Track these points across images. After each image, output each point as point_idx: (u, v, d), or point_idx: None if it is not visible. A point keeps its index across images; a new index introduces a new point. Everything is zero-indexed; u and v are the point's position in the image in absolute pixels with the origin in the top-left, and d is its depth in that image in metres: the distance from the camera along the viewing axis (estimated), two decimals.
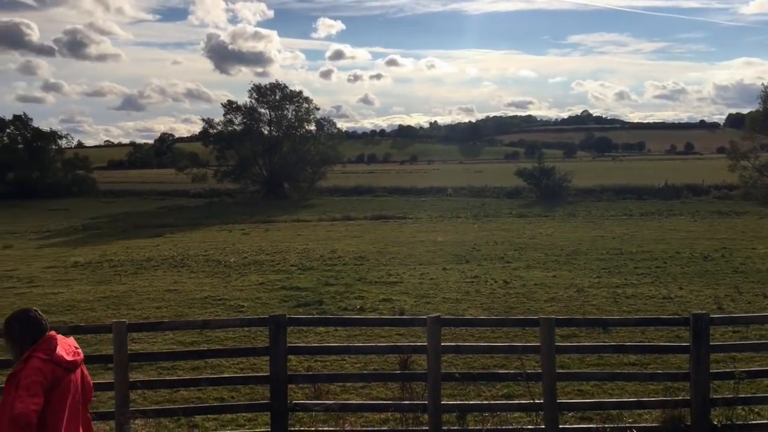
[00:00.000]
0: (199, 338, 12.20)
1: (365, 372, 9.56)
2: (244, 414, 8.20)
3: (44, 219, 45.96)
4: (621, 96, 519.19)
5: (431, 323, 6.96)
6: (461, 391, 8.91)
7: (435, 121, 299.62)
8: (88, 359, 9.45)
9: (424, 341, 7.22)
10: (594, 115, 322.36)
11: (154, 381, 8.28)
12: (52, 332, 4.40)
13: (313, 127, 66.29)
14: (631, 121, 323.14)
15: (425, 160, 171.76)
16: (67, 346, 4.42)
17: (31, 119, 72.17)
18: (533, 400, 7.21)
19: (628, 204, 46.83)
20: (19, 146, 69.48)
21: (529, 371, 7.53)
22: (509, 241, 26.95)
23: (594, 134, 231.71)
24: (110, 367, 9.91)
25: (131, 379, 6.91)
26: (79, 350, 4.54)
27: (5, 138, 70.16)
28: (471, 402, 7.76)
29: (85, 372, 4.63)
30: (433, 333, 6.92)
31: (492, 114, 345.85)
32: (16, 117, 71.41)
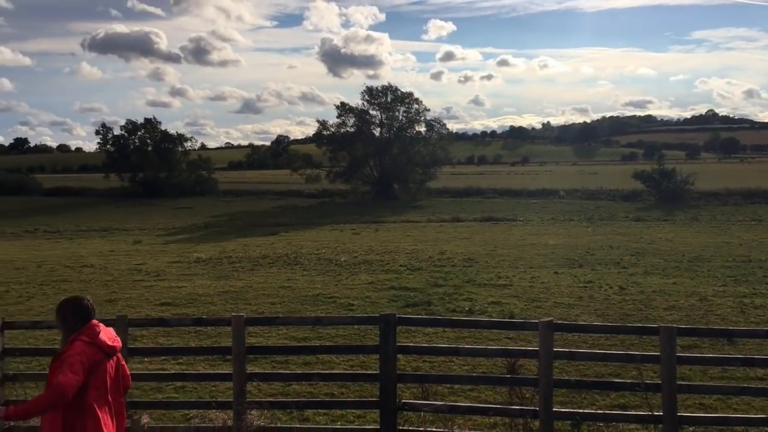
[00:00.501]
0: (311, 334, 12.51)
1: (474, 374, 9.47)
2: (353, 411, 8.33)
3: (170, 217, 48.79)
4: (750, 94, 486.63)
5: (543, 328, 6.79)
6: (572, 399, 8.64)
7: (548, 122, 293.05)
8: (209, 351, 9.95)
9: (534, 346, 7.06)
10: (720, 114, 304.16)
11: (269, 374, 8.56)
12: (95, 320, 4.72)
13: (423, 129, 66.57)
14: (761, 120, 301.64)
15: (537, 162, 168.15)
16: (108, 333, 4.76)
17: (160, 122, 76.81)
18: (651, 412, 6.87)
19: (757, 209, 43.83)
20: (149, 148, 74.00)
21: (648, 381, 7.19)
22: (625, 246, 25.88)
23: (720, 135, 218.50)
24: (228, 359, 10.39)
25: (248, 371, 7.16)
26: (118, 339, 4.85)
27: (137, 140, 74.91)
28: (584, 411, 7.50)
29: (122, 361, 4.91)
30: (545, 338, 6.75)
31: (608, 114, 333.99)
32: (147, 120, 76.18)
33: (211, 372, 9.02)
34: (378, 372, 7.10)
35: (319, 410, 8.32)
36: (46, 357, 10.07)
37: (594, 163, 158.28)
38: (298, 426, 7.45)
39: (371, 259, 23.09)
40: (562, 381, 7.33)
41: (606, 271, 19.70)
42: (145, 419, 6.83)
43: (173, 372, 9.37)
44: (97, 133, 76.21)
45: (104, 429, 4.59)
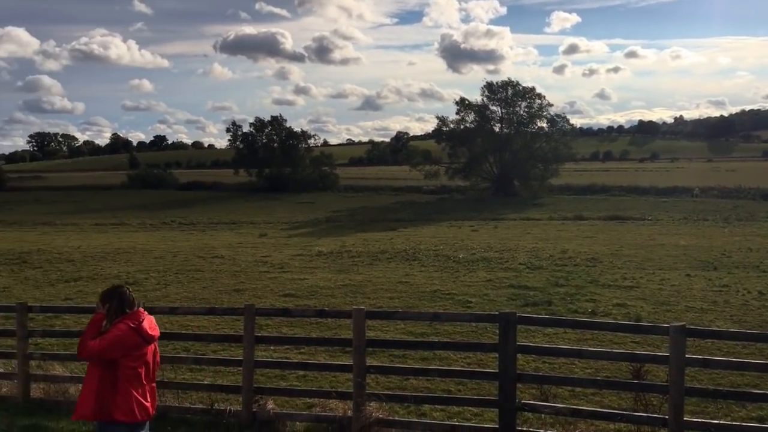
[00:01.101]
0: (429, 330, 12.53)
1: (598, 378, 9.11)
2: (470, 408, 8.26)
3: (293, 211, 50.53)
4: None
5: (675, 332, 6.42)
6: (704, 409, 8.13)
7: (680, 116, 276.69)
8: (330, 342, 10.18)
9: (663, 351, 6.69)
10: None
11: (388, 367, 8.64)
12: (142, 309, 5.13)
13: (545, 124, 65.09)
14: None
15: (668, 158, 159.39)
16: (150, 322, 5.14)
17: (285, 120, 79.81)
18: None
19: None
20: (275, 145, 77.00)
21: None
22: (767, 248, 24.05)
23: None
24: (347, 351, 10.60)
25: (367, 364, 7.26)
26: (157, 328, 5.20)
27: (264, 138, 78.18)
28: (718, 422, 7.03)
29: (157, 349, 5.30)
30: (677, 343, 6.38)
31: (747, 107, 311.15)
32: (273, 118, 79.39)
33: (332, 363, 9.22)
34: (497, 371, 6.99)
35: (436, 406, 8.31)
36: (180, 341, 10.73)
37: (731, 159, 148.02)
38: (416, 420, 7.47)
39: (490, 257, 22.82)
40: (695, 389, 6.90)
41: (744, 275, 18.39)
42: (270, 405, 7.09)
43: (296, 361, 9.68)
44: (228, 130, 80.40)
45: (135, 407, 4.92)
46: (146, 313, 5.18)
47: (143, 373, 5.09)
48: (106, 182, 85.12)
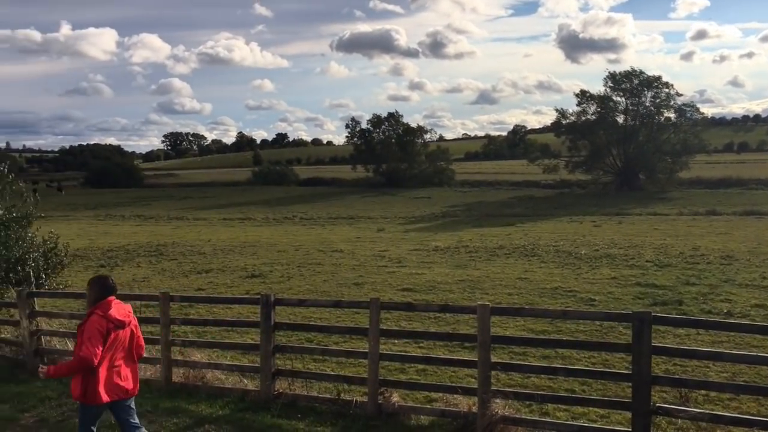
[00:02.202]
0: (550, 328, 12.22)
1: (741, 383, 8.52)
2: (596, 410, 7.97)
3: (410, 206, 50.90)
4: None
5: None
6: None
7: None
8: (450, 337, 10.08)
9: None
10: None
11: (513, 364, 8.46)
12: (112, 297, 5.63)
13: (672, 114, 61.63)
14: None
15: None
16: (121, 309, 5.66)
17: (402, 116, 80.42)
18: None
19: None
20: (392, 140, 77.80)
21: None
22: None
23: None
24: (466, 347, 10.55)
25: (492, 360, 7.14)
26: (131, 316, 5.73)
27: (381, 134, 79.20)
28: None
29: (138, 332, 5.81)
30: None
31: None
32: (390, 114, 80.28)
33: (456, 358, 9.15)
34: (630, 372, 6.68)
35: (560, 405, 8.08)
36: (303, 332, 11.07)
37: None
38: (543, 419, 7.29)
39: (614, 253, 21.95)
40: None
41: None
42: (395, 398, 7.16)
43: (420, 355, 9.70)
44: (347, 126, 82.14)
45: (100, 389, 5.44)
46: (118, 302, 5.71)
47: (122, 356, 5.61)
48: (233, 179, 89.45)
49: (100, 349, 5.39)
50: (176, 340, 8.91)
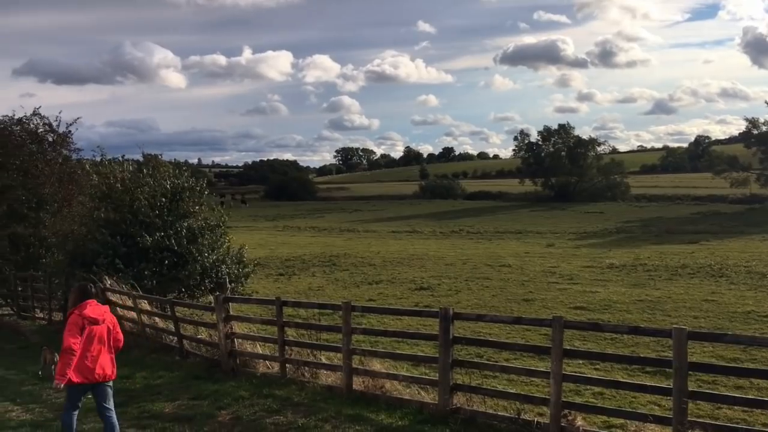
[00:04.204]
0: (742, 356, 11.25)
1: None
2: None
3: (580, 221, 49.13)
4: None
5: None
6: None
7: None
8: (642, 361, 9.34)
9: None
10: None
11: (715, 395, 7.80)
12: (90, 300, 6.68)
13: None
14: None
15: None
16: (97, 309, 6.73)
17: (573, 128, 77.97)
18: None
19: None
20: (562, 153, 75.57)
21: None
22: None
23: None
24: (647, 371, 9.94)
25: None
26: (105, 317, 6.75)
27: (551, 146, 77.23)
28: None
29: (116, 329, 6.85)
30: None
31: None
32: (561, 126, 78.10)
33: (648, 384, 8.55)
34: None
35: None
36: (475, 347, 10.98)
37: None
38: None
39: None
40: None
41: None
42: (580, 421, 6.85)
43: (607, 378, 9.19)
44: (515, 139, 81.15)
45: (70, 373, 6.38)
46: (96, 304, 6.78)
47: (100, 348, 6.60)
48: (400, 192, 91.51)
49: (79, 338, 6.47)
50: (357, 349, 9.15)
